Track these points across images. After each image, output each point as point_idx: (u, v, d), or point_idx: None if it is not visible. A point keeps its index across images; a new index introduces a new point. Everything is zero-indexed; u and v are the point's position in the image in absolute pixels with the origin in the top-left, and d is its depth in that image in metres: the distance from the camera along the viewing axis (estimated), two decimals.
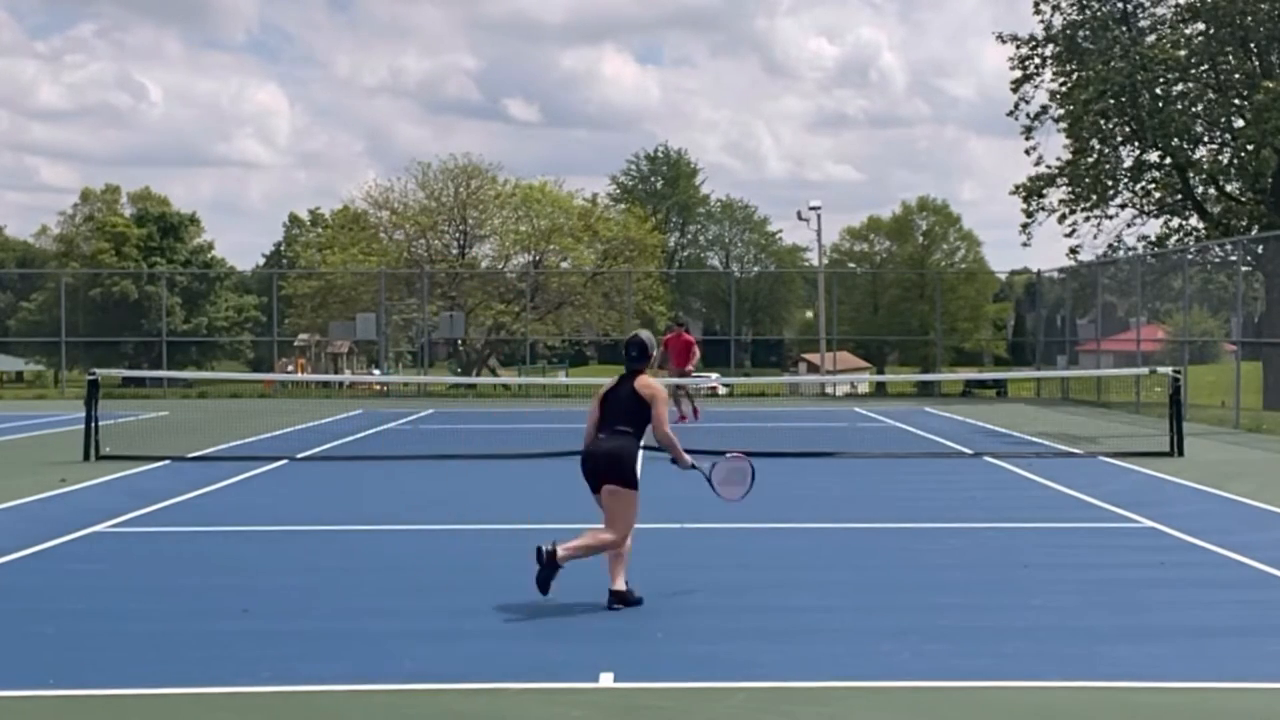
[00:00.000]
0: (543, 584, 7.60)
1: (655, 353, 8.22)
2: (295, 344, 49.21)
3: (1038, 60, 35.37)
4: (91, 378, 17.00)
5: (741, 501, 8.51)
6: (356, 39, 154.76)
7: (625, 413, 7.87)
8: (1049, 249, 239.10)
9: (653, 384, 7.99)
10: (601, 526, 7.88)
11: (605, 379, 9.11)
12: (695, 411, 22.36)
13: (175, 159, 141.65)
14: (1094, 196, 34.93)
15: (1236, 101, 32.59)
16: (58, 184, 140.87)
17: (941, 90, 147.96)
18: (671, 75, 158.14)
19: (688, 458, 7.98)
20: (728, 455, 8.59)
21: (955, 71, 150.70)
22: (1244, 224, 33.49)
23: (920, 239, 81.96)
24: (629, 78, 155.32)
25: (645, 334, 8.29)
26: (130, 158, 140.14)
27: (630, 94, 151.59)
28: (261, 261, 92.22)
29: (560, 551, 7.64)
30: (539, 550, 7.63)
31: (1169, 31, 33.55)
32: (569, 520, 10.73)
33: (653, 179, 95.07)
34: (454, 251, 53.60)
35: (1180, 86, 33.41)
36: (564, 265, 52.06)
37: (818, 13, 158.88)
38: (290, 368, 50.86)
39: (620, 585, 7.77)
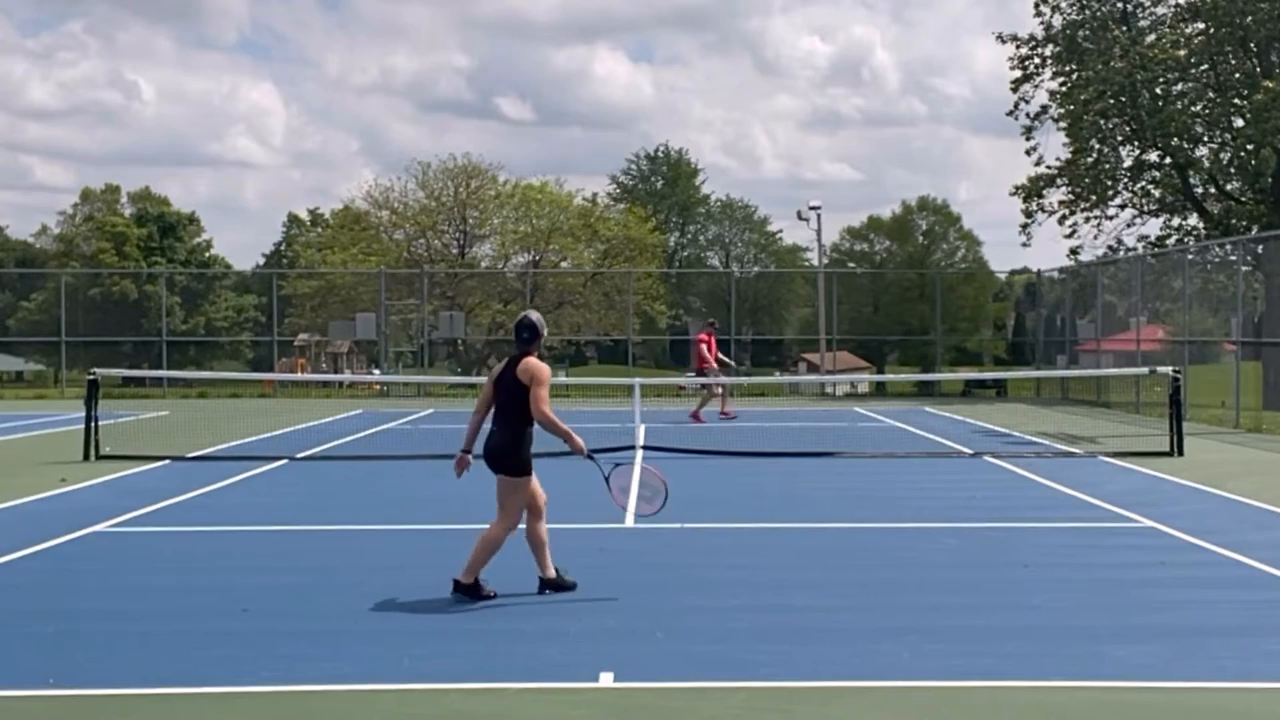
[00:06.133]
0: (468, 599, 7.83)
1: (545, 334, 8.17)
2: (295, 344, 49.16)
3: (1037, 60, 35.38)
4: (91, 378, 17.01)
5: (649, 515, 8.50)
6: (348, 38, 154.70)
7: (511, 399, 7.87)
8: (1049, 249, 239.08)
9: (533, 366, 7.90)
10: (486, 532, 7.96)
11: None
12: None
13: (170, 158, 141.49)
14: (1094, 196, 34.92)
15: (1236, 101, 32.57)
16: (52, 183, 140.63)
17: (936, 89, 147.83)
18: (665, 74, 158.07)
19: (579, 440, 7.91)
20: (645, 467, 8.61)
21: (949, 70, 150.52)
22: (1244, 224, 33.48)
23: (920, 239, 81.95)
24: (622, 76, 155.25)
25: (535, 315, 8.21)
26: (124, 157, 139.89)
27: (623, 93, 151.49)
28: (261, 261, 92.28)
29: (463, 579, 7.83)
30: (455, 584, 7.86)
31: (1169, 31, 33.52)
32: (568, 519, 10.73)
33: (653, 179, 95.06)
34: (454, 251, 53.62)
35: (1180, 86, 33.39)
36: (564, 265, 52.06)
37: (810, 12, 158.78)
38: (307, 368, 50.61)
39: (551, 572, 7.95)
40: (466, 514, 11.56)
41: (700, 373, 23.87)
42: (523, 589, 8.08)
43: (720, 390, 23.86)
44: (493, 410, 7.97)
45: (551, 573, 8.01)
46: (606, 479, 8.26)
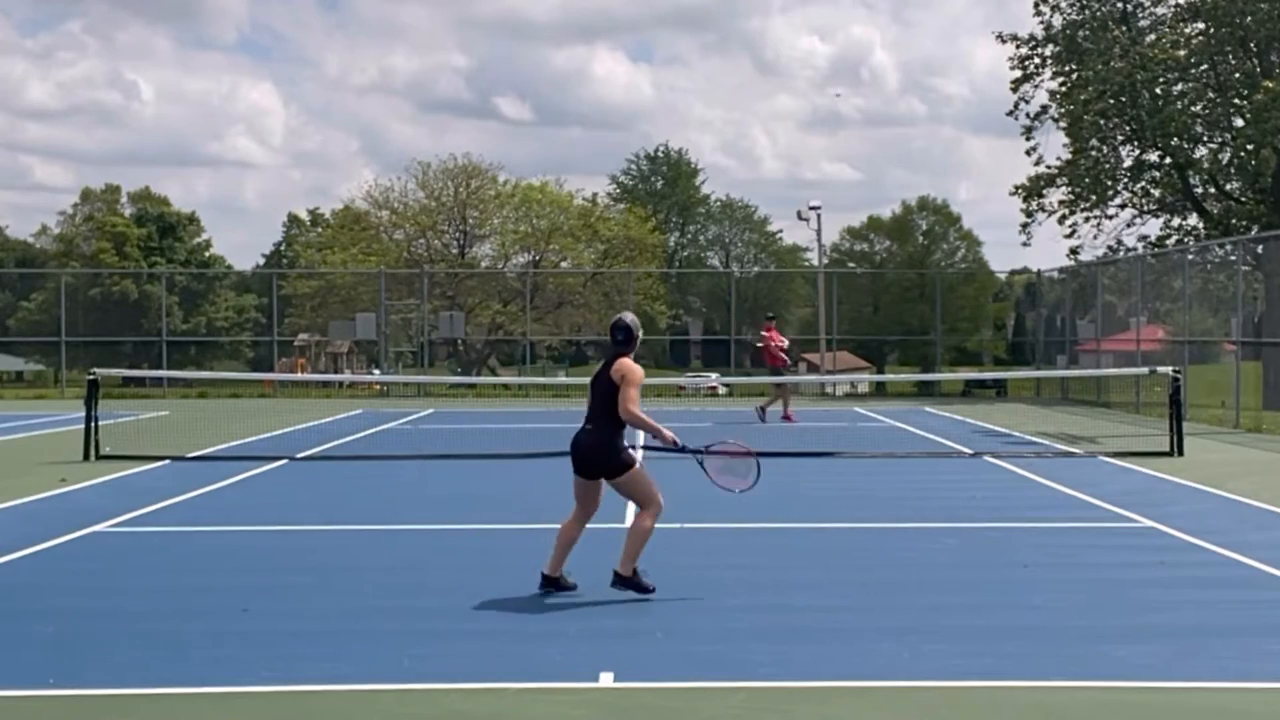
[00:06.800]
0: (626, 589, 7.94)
1: (640, 336, 8.28)
2: (295, 344, 49.17)
3: (1037, 60, 35.38)
4: (91, 378, 17.00)
5: (740, 495, 8.47)
6: (347, 38, 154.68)
7: (602, 400, 7.96)
8: (1049, 249, 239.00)
9: (625, 366, 7.97)
10: (631, 522, 8.13)
11: None
12: None
13: (170, 158, 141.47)
14: (1094, 196, 34.92)
15: (1236, 101, 32.57)
16: (52, 183, 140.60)
17: (935, 89, 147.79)
18: (664, 74, 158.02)
19: (669, 433, 8.04)
20: (731, 443, 8.64)
21: (949, 70, 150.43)
22: (1244, 224, 33.49)
23: (920, 239, 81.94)
24: (622, 76, 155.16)
25: (630, 317, 8.33)
26: (123, 157, 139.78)
27: (623, 93, 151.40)
28: (261, 261, 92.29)
29: (622, 570, 7.92)
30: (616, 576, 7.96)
31: (1169, 31, 33.53)
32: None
33: (653, 179, 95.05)
34: (454, 251, 53.64)
35: (1180, 86, 33.40)
36: (564, 265, 52.07)
37: (810, 12, 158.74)
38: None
39: (556, 572, 8.02)
40: (467, 514, 11.59)
41: (775, 371, 23.47)
42: (522, 589, 8.08)
43: (779, 389, 23.49)
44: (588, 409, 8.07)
45: (557, 572, 8.03)
46: (702, 465, 8.43)
